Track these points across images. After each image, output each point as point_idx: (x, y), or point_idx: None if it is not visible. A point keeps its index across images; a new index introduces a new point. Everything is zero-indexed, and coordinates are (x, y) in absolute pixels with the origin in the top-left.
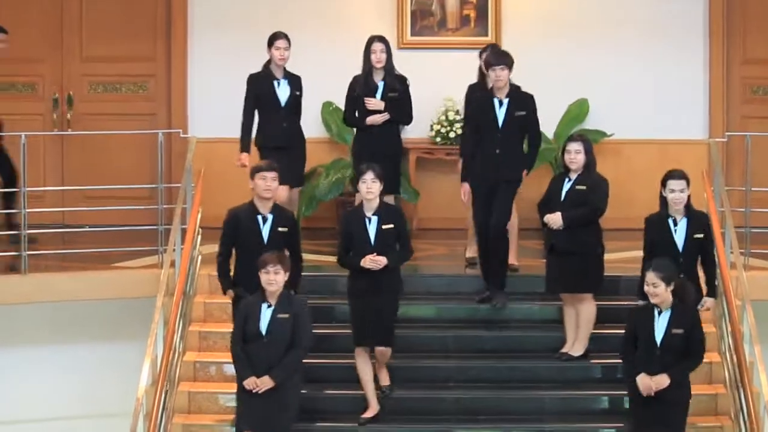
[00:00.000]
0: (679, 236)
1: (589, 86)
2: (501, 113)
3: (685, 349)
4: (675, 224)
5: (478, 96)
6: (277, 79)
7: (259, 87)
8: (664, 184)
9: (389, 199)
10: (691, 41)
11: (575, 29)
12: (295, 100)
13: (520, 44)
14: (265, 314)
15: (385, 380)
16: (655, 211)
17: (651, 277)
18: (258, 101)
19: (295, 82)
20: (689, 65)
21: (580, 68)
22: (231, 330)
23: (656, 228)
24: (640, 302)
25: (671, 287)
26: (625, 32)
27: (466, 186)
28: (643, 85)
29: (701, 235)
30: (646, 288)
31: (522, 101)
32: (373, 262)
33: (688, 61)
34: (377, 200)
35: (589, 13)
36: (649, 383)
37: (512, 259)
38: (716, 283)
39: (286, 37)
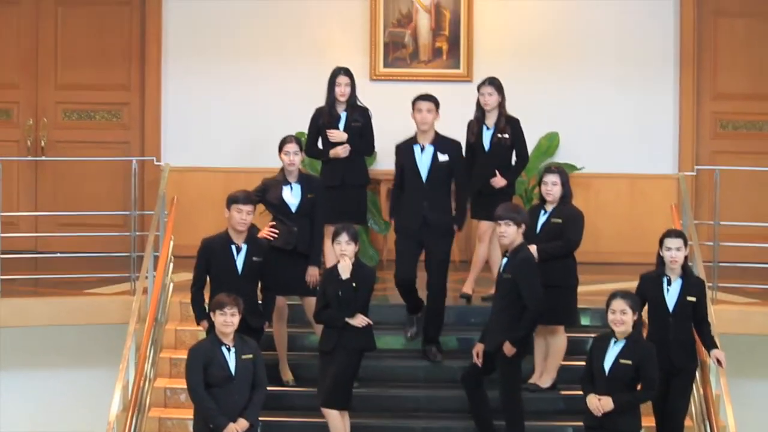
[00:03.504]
0: (671, 296)
1: (559, 119)
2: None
3: (633, 380)
4: (669, 284)
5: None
6: (289, 184)
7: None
8: (661, 243)
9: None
10: (662, 76)
11: (546, 62)
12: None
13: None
14: (231, 357)
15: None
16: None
17: (620, 304)
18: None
19: (310, 183)
20: (660, 99)
21: (550, 101)
22: None
23: (649, 285)
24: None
25: (636, 317)
26: (596, 66)
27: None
28: (614, 119)
29: (693, 299)
30: (611, 317)
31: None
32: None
33: (659, 95)
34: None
35: (560, 47)
36: (597, 403)
37: (468, 289)
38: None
39: (296, 140)
